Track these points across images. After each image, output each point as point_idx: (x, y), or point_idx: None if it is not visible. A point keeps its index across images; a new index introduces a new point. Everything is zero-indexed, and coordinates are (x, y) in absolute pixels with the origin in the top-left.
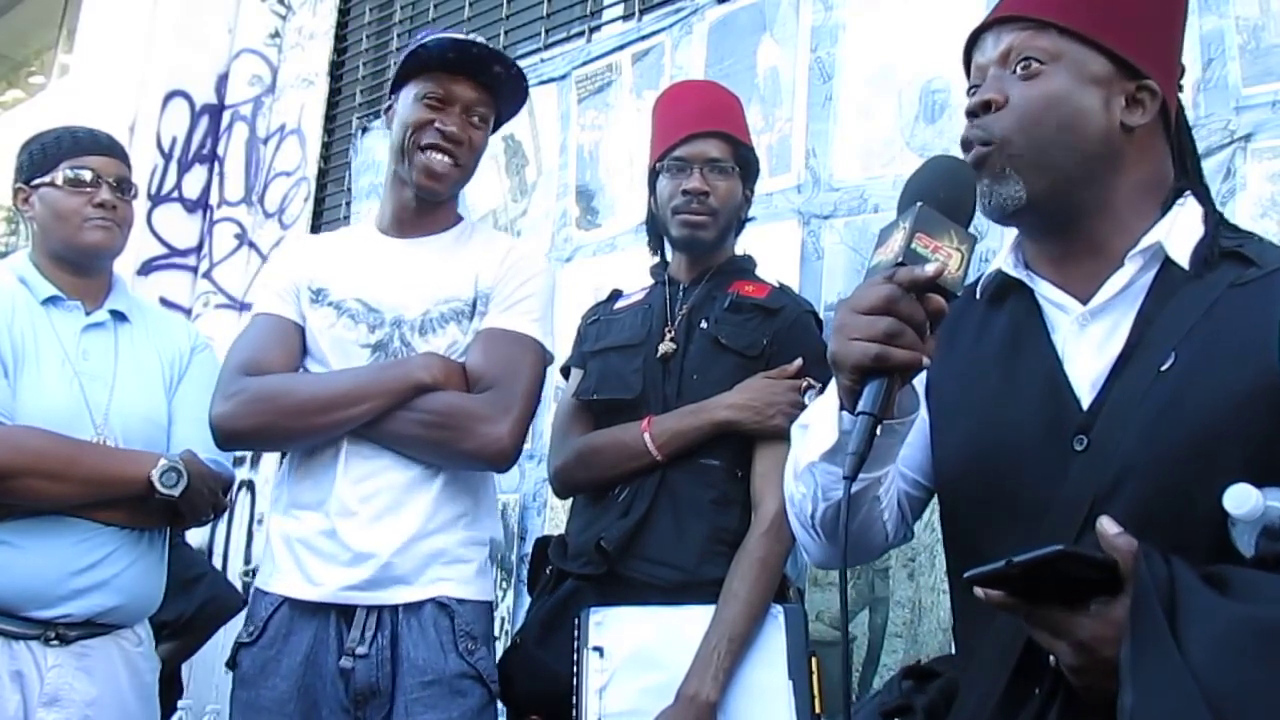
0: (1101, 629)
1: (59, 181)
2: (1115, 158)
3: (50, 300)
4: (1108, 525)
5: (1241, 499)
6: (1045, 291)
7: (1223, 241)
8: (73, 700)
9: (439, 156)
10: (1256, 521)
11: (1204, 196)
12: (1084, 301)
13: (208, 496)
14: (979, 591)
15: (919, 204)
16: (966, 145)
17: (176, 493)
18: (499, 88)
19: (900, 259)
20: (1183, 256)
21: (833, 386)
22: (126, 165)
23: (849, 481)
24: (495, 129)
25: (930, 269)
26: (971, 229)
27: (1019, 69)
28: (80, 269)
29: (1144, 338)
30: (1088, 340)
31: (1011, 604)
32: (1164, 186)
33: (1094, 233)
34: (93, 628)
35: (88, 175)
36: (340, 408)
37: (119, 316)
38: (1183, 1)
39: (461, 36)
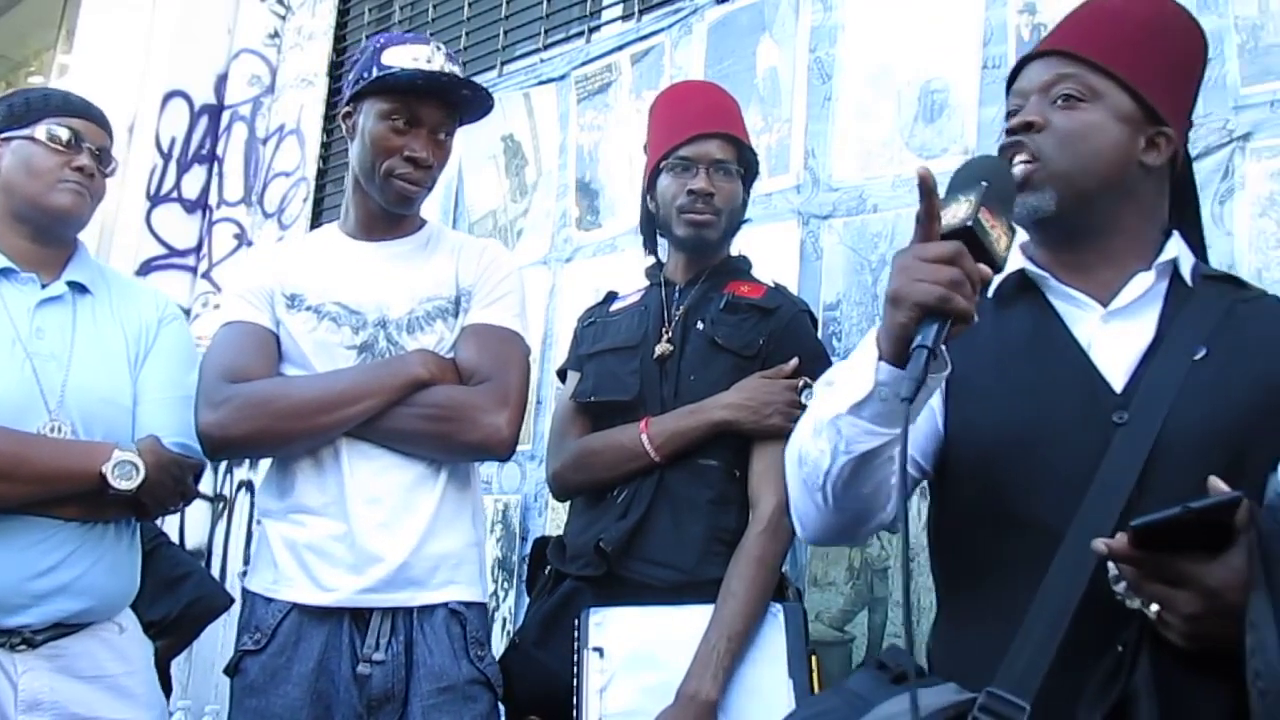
0: (1230, 576)
1: (39, 136)
2: (1130, 188)
3: (2, 274)
4: (1218, 483)
5: None
6: (1064, 292)
7: (1211, 270)
8: (55, 702)
9: (410, 185)
10: None
11: (1193, 237)
12: (1103, 304)
13: (172, 486)
14: (1098, 544)
15: (984, 183)
16: (1007, 155)
17: (132, 487)
18: (465, 104)
19: (968, 222)
20: (1186, 275)
21: (865, 345)
22: (110, 139)
23: (908, 403)
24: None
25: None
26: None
27: (1060, 100)
28: (42, 234)
29: (1169, 333)
30: (1111, 335)
31: (1136, 556)
32: (1161, 222)
33: (1108, 248)
34: (62, 629)
35: (69, 136)
36: (340, 407)
37: (78, 288)
38: (1203, 63)
39: (430, 68)
